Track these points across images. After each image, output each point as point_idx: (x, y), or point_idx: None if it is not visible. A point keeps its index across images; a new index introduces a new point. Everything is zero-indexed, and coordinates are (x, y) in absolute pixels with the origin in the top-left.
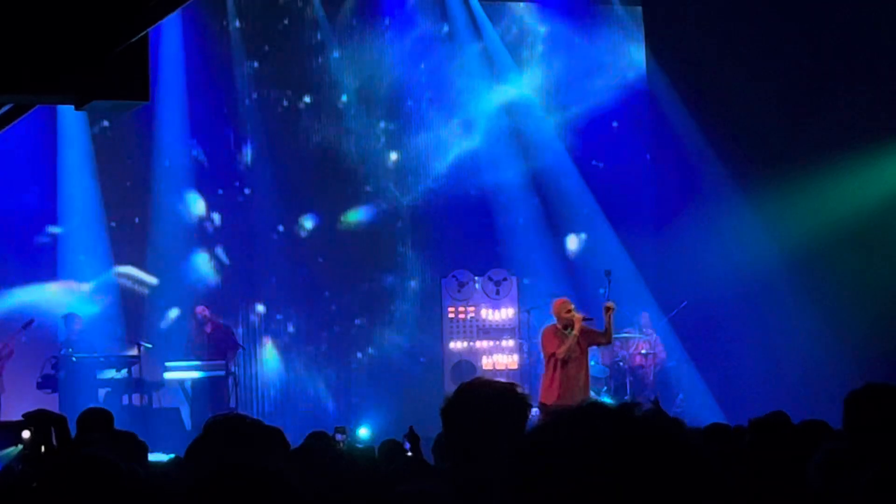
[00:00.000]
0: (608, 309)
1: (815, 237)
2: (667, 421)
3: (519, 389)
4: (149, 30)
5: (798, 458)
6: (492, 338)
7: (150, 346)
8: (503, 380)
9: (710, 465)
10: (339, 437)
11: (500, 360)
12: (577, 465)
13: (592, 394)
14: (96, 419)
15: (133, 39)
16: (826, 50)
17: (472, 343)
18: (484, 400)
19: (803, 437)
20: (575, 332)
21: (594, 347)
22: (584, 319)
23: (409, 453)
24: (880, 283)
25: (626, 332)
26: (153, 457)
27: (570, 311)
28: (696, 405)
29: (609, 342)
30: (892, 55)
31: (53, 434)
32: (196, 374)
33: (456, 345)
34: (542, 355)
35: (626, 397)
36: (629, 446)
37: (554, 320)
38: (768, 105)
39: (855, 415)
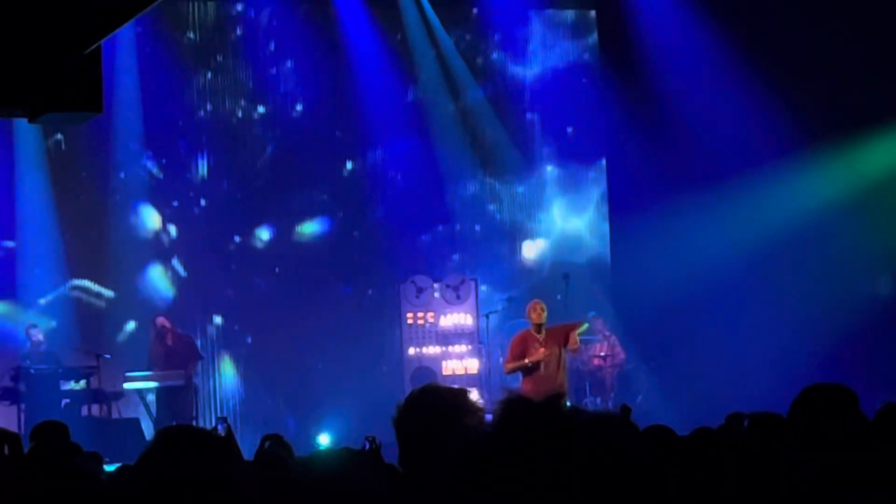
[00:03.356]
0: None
1: (773, 236)
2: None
3: (470, 395)
4: (102, 42)
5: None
6: (451, 343)
7: (108, 356)
8: (457, 386)
9: (645, 467)
10: (220, 426)
11: (460, 365)
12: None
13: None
14: (51, 432)
15: (86, 51)
16: (780, 49)
17: (431, 349)
18: (433, 407)
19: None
20: (550, 333)
21: None
22: (542, 354)
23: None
24: (838, 280)
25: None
26: (113, 467)
27: (535, 312)
28: (657, 406)
29: (575, 352)
30: (844, 47)
31: (7, 450)
32: (156, 385)
33: (415, 351)
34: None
35: (585, 400)
36: (566, 451)
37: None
38: (721, 104)
39: (796, 421)
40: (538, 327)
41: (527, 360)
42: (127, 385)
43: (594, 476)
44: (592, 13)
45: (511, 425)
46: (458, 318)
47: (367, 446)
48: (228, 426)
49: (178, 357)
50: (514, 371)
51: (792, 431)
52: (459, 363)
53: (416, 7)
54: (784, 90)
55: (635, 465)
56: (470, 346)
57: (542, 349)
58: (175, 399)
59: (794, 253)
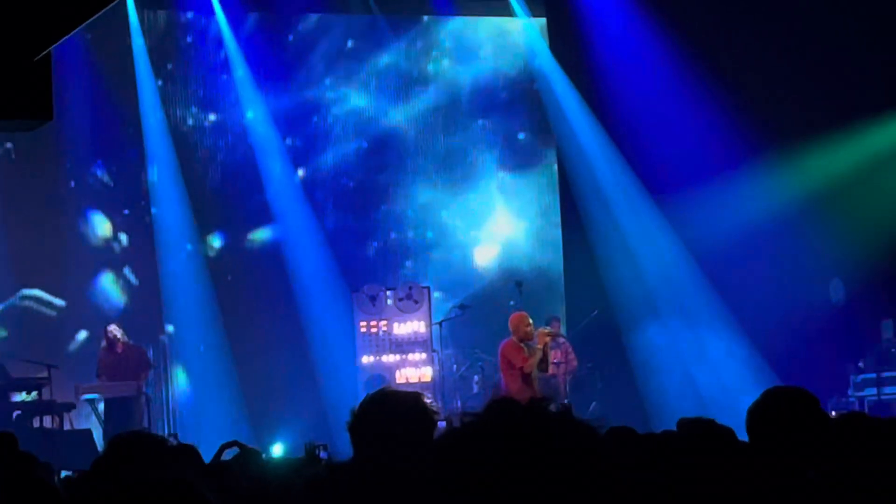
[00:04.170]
0: (545, 336)
1: (724, 243)
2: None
3: (425, 399)
4: (51, 48)
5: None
6: (404, 351)
7: (56, 367)
8: (411, 391)
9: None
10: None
11: (413, 373)
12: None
13: None
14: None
15: (36, 58)
16: (730, 58)
17: (384, 357)
18: (390, 412)
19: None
20: (539, 345)
21: None
22: (548, 335)
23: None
24: (790, 287)
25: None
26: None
27: (529, 325)
28: (609, 413)
29: (545, 372)
30: (794, 56)
31: None
32: (108, 395)
33: (369, 359)
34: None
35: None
36: (540, 445)
37: (510, 335)
38: (674, 112)
39: (756, 424)
40: (524, 341)
41: (539, 346)
42: (79, 396)
43: (576, 479)
44: (543, 20)
45: (495, 424)
46: (411, 325)
47: (325, 455)
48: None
49: (129, 367)
50: (535, 363)
51: (752, 434)
52: (414, 371)
53: (365, 14)
54: (733, 99)
55: (616, 471)
56: (424, 354)
57: (540, 331)
58: (126, 409)
59: (745, 259)
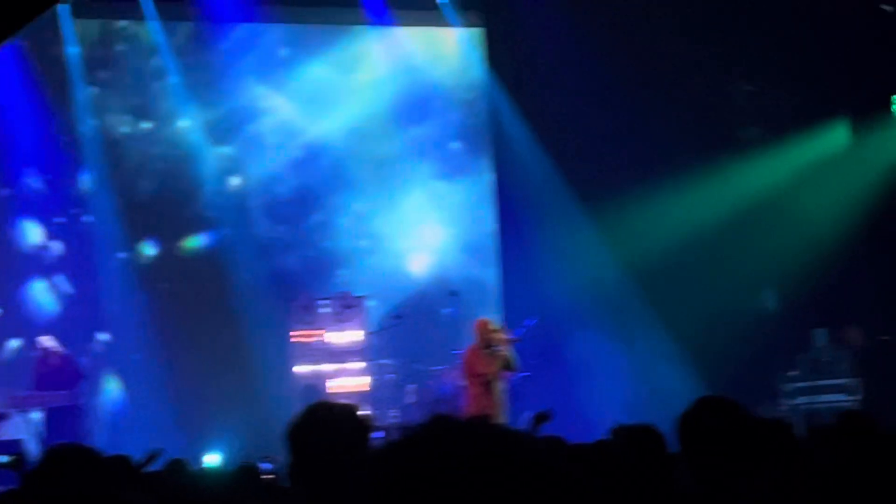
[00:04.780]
0: (505, 341)
1: (658, 253)
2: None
3: (360, 411)
4: None
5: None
6: (339, 360)
7: None
8: (347, 402)
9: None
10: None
11: (348, 382)
12: (433, 478)
13: None
14: None
15: None
16: (660, 67)
17: (319, 366)
18: (328, 423)
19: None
20: (502, 351)
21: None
22: (510, 340)
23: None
24: (723, 296)
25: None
26: None
27: (493, 329)
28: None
29: (515, 371)
30: (727, 68)
31: None
32: (43, 406)
33: (304, 368)
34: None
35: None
36: (480, 459)
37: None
38: (609, 123)
39: (688, 432)
40: (488, 347)
41: (503, 351)
42: (10, 407)
43: (514, 495)
44: (479, 30)
45: (434, 439)
46: (345, 335)
47: (270, 466)
48: None
49: (63, 377)
50: (497, 370)
51: (683, 442)
52: (348, 380)
53: (299, 23)
54: (669, 109)
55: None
56: (361, 364)
57: (503, 336)
58: (62, 420)
59: (679, 268)
